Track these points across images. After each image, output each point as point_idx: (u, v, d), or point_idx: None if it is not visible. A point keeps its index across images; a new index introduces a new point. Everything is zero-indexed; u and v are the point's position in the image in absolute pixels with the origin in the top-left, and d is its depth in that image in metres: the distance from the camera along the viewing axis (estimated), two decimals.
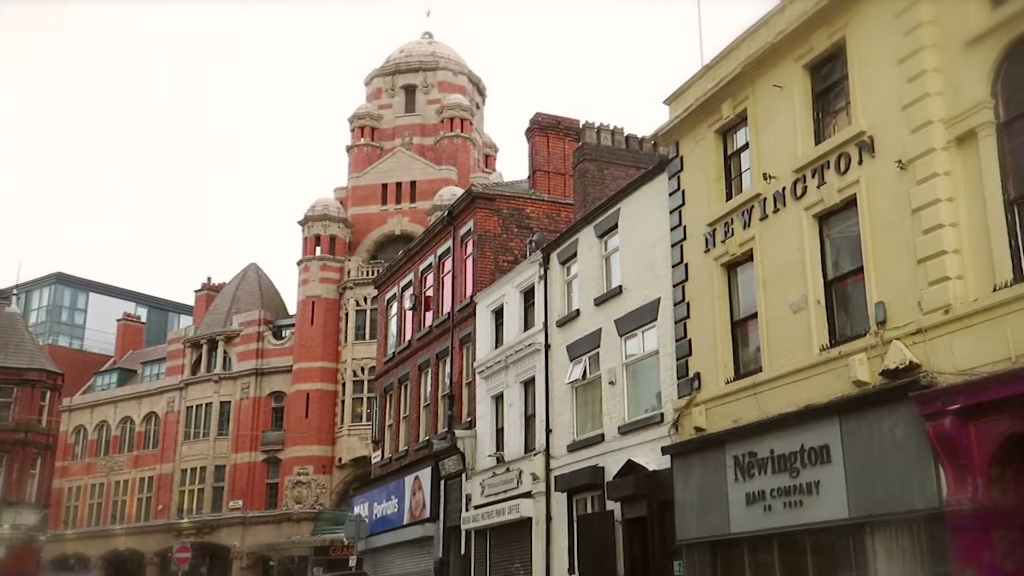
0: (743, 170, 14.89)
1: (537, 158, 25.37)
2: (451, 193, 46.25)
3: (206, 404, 50.13)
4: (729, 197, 14.97)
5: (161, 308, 71.44)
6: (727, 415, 14.23)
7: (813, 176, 13.02)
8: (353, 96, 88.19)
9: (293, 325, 49.54)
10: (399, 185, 50.61)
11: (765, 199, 13.91)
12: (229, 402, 49.49)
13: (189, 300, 62.73)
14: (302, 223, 49.62)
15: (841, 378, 11.95)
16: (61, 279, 68.42)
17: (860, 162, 12.21)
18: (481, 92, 56.93)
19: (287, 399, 47.95)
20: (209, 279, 57.28)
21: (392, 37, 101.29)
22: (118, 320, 62.16)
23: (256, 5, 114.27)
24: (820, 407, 12.23)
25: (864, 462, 11.56)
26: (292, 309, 51.56)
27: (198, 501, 48.65)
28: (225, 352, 50.77)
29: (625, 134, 21.77)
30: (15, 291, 48.03)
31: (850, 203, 12.38)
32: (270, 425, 48.43)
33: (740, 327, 14.60)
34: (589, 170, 21.06)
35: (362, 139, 51.90)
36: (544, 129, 25.50)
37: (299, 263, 49.05)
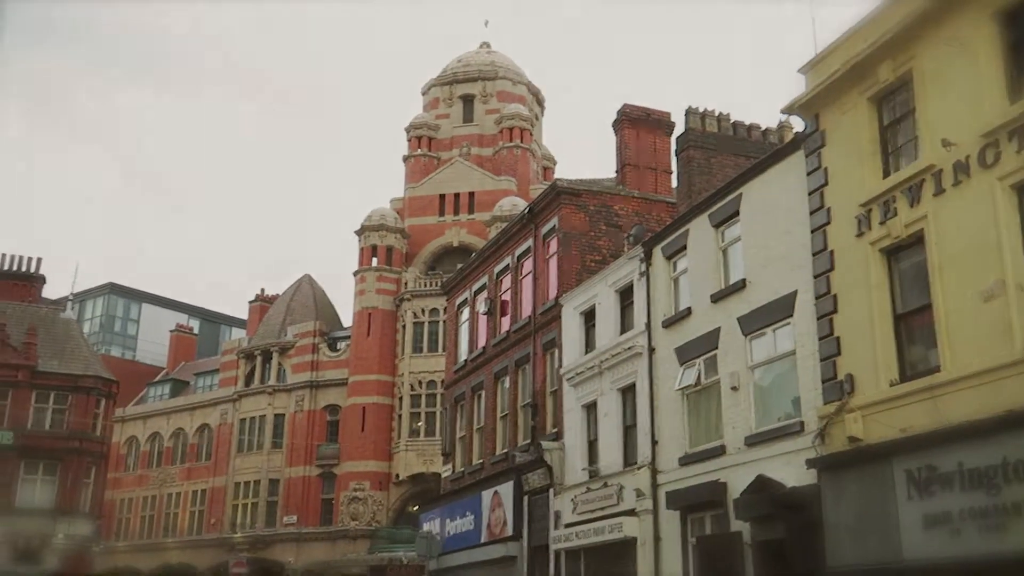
0: (906, 140, 12.98)
1: (626, 152, 23.61)
2: (511, 204, 44.76)
3: (260, 416, 48.88)
4: (888, 173, 13.07)
5: (213, 320, 70.69)
6: (892, 423, 12.25)
7: (1010, 140, 11.09)
8: (410, 106, 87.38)
9: (348, 337, 48.22)
10: (457, 196, 49.22)
11: (941, 171, 11.99)
12: (283, 415, 48.20)
13: (241, 312, 61.92)
14: (358, 233, 48.39)
15: None
16: (114, 289, 67.97)
17: None
18: (540, 102, 55.47)
19: (342, 412, 46.53)
20: (263, 290, 56.27)
21: (450, 46, 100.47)
22: (171, 331, 61.41)
23: (315, 9, 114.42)
24: None
25: None
26: (347, 321, 50.28)
27: (251, 515, 47.30)
28: (279, 364, 49.55)
29: (731, 120, 19.91)
30: (70, 299, 47.19)
31: None
32: (325, 439, 47.03)
33: (905, 321, 12.65)
34: (694, 158, 19.25)
35: (419, 149, 50.64)
36: (633, 121, 23.75)
37: (355, 274, 47.77)
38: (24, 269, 40.98)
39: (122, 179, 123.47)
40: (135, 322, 68.18)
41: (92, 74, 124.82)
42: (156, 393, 57.02)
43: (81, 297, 62.76)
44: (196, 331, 64.45)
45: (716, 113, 19.81)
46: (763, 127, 20.14)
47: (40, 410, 37.28)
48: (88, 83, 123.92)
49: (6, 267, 40.43)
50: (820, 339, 13.87)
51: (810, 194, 14.38)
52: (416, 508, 42.18)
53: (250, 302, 56.50)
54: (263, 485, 47.52)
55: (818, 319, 13.96)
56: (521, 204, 42.96)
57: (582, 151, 60.59)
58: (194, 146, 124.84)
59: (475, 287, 27.93)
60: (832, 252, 13.82)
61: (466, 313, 28.60)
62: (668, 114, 23.97)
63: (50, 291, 44.74)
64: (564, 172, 24.21)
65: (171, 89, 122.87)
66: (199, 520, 49.96)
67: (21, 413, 36.49)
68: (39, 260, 41.37)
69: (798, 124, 18.88)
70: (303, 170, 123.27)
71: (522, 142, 49.44)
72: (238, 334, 62.48)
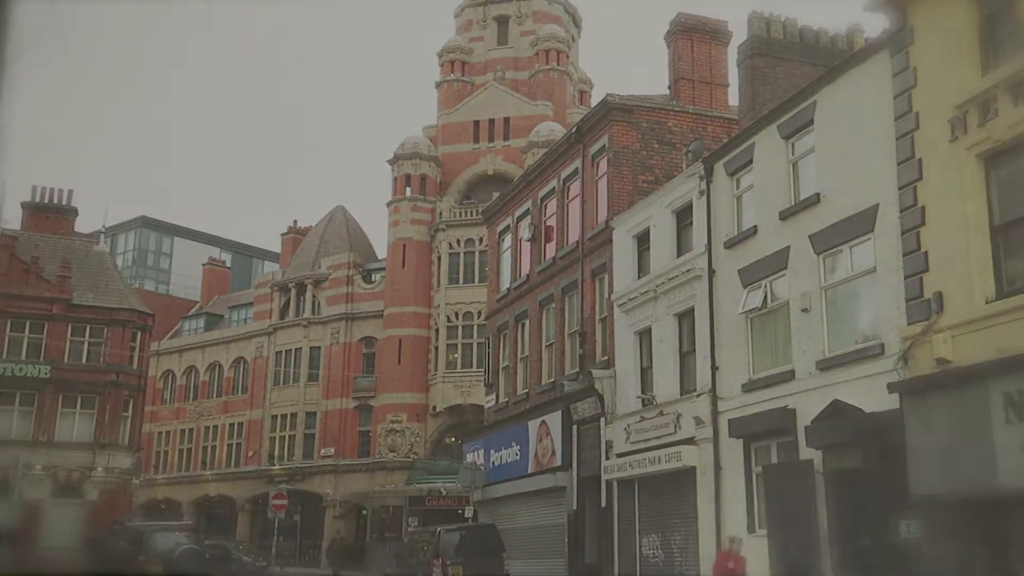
0: (1009, 32, 11.77)
1: (680, 65, 22.37)
2: (548, 129, 43.45)
3: (295, 349, 48.70)
4: (988, 70, 11.89)
5: (246, 253, 70.41)
6: (988, 343, 11.31)
7: None
8: (443, 30, 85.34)
9: (383, 269, 47.61)
10: (492, 122, 47.90)
11: None
12: (319, 347, 47.96)
13: (274, 246, 61.45)
14: (391, 162, 47.38)
15: None
16: (146, 223, 67.77)
17: None
18: (576, 23, 53.62)
19: (379, 345, 46.15)
20: (295, 222, 55.66)
21: None
22: (203, 264, 61.17)
23: None
24: None
25: None
26: (381, 253, 49.63)
27: (289, 448, 47.45)
28: (314, 296, 49.15)
29: (798, 26, 18.58)
30: (103, 232, 46.83)
31: None
32: (361, 371, 46.76)
33: (1003, 233, 11.62)
34: (759, 67, 18.01)
35: (452, 74, 49.24)
36: (688, 31, 22.45)
37: (389, 204, 46.91)
38: (56, 201, 40.50)
39: (153, 111, 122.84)
40: (168, 256, 68.10)
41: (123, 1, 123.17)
42: (191, 327, 57.03)
43: (113, 231, 62.62)
44: (229, 264, 64.19)
45: (782, 18, 18.50)
46: (831, 33, 18.78)
47: (76, 343, 37.10)
48: (120, 9, 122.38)
49: (38, 199, 39.95)
50: (905, 255, 12.86)
51: (896, 97, 13.22)
52: (454, 440, 42.06)
53: (283, 235, 55.97)
54: (300, 418, 47.53)
55: (903, 233, 12.93)
56: (558, 129, 41.72)
57: (621, 74, 59.02)
58: (227, 78, 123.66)
59: (518, 213, 27.00)
60: (921, 160, 12.72)
61: (508, 240, 27.73)
62: (725, 23, 22.65)
63: (82, 225, 44.36)
64: (603, 96, 23.20)
65: (207, 19, 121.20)
66: (237, 453, 50.24)
67: (57, 346, 36.35)
68: (71, 192, 40.88)
69: (871, 29, 17.61)
70: (337, 100, 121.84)
71: (558, 64, 47.89)
72: (271, 267, 62.20)
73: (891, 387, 12.64)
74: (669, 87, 22.66)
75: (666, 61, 22.93)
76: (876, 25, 14.09)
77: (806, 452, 14.25)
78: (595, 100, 53.44)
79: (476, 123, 47.88)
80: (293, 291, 49.81)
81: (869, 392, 13.20)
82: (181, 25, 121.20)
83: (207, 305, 58.97)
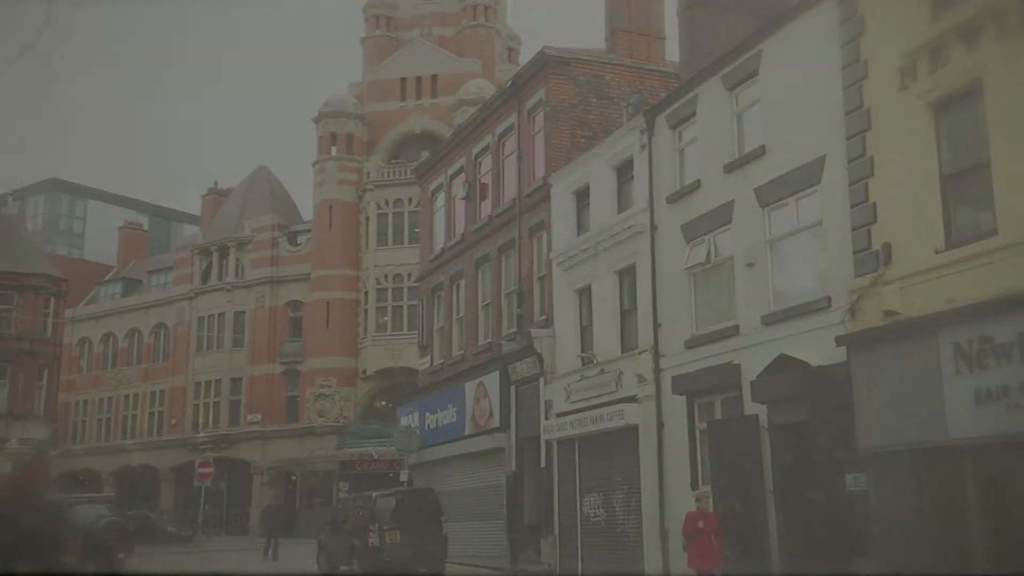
0: None
1: (616, 16, 21.88)
2: (477, 87, 42.67)
3: (219, 314, 47.30)
4: (939, 16, 11.69)
5: (164, 217, 68.03)
6: (938, 294, 11.22)
7: None
8: None
9: (309, 231, 46.41)
10: (419, 80, 46.84)
11: (1005, 10, 10.67)
12: (244, 312, 46.66)
13: (193, 208, 59.50)
14: (316, 120, 46.05)
15: None
16: (58, 185, 64.78)
17: None
18: None
19: (306, 308, 45.10)
20: (216, 183, 53.88)
21: None
22: (119, 228, 58.86)
23: None
24: None
25: None
26: (307, 215, 48.35)
27: (214, 415, 46.24)
28: (237, 260, 47.71)
29: None
30: (10, 195, 44.53)
31: None
32: (288, 335, 45.68)
33: (953, 183, 11.51)
34: (699, 17, 17.65)
35: (377, 29, 47.91)
36: None
37: (314, 164, 45.65)
38: None
39: (66, 73, 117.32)
40: (81, 219, 65.34)
41: None
42: (107, 292, 54.92)
43: (23, 193, 59.73)
44: (146, 228, 61.91)
45: None
46: None
47: None
48: None
49: None
50: (853, 207, 12.70)
51: (843, 46, 12.99)
52: (385, 403, 41.45)
53: (203, 196, 54.16)
54: (225, 384, 46.31)
55: (851, 185, 12.77)
56: (488, 87, 40.99)
57: (551, 33, 58.37)
58: (140, 32, 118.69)
59: (451, 171, 26.32)
60: (869, 110, 12.54)
61: (441, 199, 27.07)
62: None
63: None
64: (534, 52, 22.69)
65: None
66: (159, 421, 48.81)
67: None
68: None
69: None
70: (261, 58, 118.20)
71: (486, 21, 46.95)
72: (191, 230, 60.22)
73: (839, 340, 12.52)
74: (606, 39, 22.17)
75: (595, 17, 22.44)
76: None
77: (751, 407, 14.13)
78: (524, 58, 52.97)
79: (403, 80, 46.79)
80: (215, 255, 48.27)
81: (815, 346, 13.07)
82: None
83: (124, 270, 56.82)
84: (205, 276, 48.74)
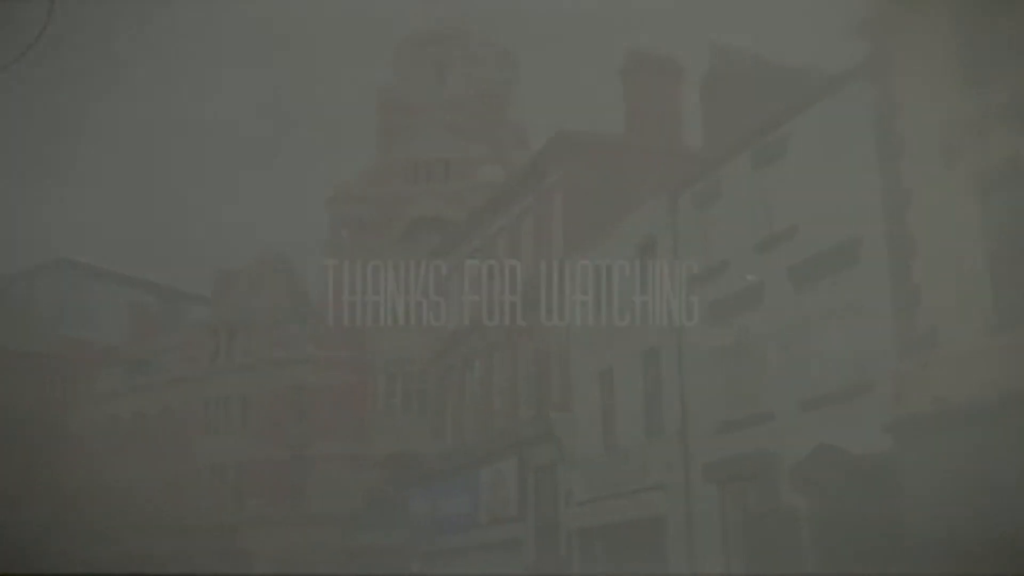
0: (990, 55, 11.36)
1: (635, 101, 21.80)
2: (489, 171, 42.60)
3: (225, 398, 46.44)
4: (974, 95, 11.42)
5: (170, 298, 67.61)
6: (988, 378, 10.69)
7: None
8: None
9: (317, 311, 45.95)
10: (431, 163, 47.00)
11: None
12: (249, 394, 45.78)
13: (202, 288, 59.03)
14: (327, 203, 46.03)
15: None
16: (68, 265, 64.54)
17: None
18: (512, 66, 53.23)
19: (312, 391, 44.15)
20: (225, 265, 53.42)
21: None
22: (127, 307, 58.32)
23: None
24: None
25: None
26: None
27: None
28: (245, 340, 47.07)
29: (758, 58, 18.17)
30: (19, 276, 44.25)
31: None
32: (294, 417, 44.67)
33: (1001, 261, 11.09)
34: (720, 99, 17.51)
35: (389, 115, 48.30)
36: (642, 67, 21.85)
37: (326, 246, 45.49)
38: None
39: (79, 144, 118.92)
40: (89, 299, 65.01)
41: None
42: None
43: (32, 274, 59.50)
44: (154, 308, 61.40)
45: (743, 50, 18.09)
46: (795, 66, 18.39)
47: None
48: None
49: None
50: (893, 288, 12.28)
51: (878, 125, 12.75)
52: (394, 490, 40.16)
53: (212, 277, 53.73)
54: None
55: (890, 265, 12.36)
56: (499, 171, 40.97)
57: (562, 117, 58.64)
58: (151, 116, 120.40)
59: (466, 252, 25.96)
60: (910, 189, 12.20)
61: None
62: (678, 60, 22.22)
63: None
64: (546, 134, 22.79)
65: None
66: None
67: None
68: None
69: (830, 64, 17.24)
70: (263, 136, 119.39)
71: (498, 104, 47.30)
72: (200, 311, 59.76)
73: (885, 427, 11.92)
74: (626, 124, 22.07)
75: (609, 103, 22.47)
76: (837, 58, 13.67)
77: (788, 497, 13.44)
78: (537, 140, 53.41)
79: (415, 163, 46.93)
80: (223, 334, 47.69)
81: (857, 432, 12.47)
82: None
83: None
84: (213, 356, 48.10)
